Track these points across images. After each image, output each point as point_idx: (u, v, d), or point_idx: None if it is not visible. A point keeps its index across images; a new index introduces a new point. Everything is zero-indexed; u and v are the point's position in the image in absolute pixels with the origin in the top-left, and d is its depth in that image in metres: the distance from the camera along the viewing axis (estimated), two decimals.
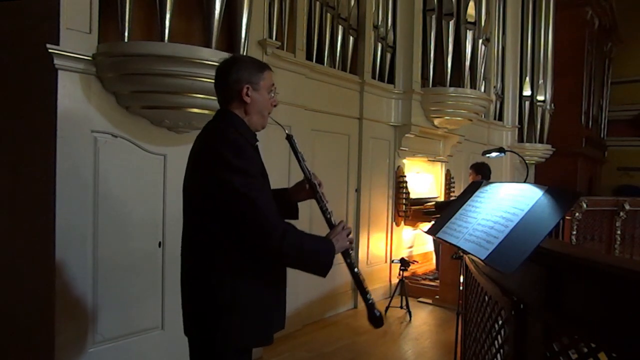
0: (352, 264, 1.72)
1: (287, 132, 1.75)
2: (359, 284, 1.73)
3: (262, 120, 1.66)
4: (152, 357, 2.86)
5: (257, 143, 1.68)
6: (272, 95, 1.66)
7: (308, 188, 1.78)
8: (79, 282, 2.53)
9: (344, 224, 1.70)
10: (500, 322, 1.67)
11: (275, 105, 1.69)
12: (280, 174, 3.72)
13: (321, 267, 1.58)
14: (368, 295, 1.71)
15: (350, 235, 1.72)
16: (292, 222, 1.62)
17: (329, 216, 1.73)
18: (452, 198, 6.25)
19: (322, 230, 1.71)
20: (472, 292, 2.21)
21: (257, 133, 1.69)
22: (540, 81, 8.18)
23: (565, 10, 8.79)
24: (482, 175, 4.56)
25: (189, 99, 2.61)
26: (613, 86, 12.42)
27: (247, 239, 1.49)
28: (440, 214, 2.72)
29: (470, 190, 1.98)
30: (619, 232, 6.07)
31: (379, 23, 5.05)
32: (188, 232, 1.61)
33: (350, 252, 1.72)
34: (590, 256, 1.28)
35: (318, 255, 1.57)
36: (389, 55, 5.25)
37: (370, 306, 1.70)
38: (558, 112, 8.74)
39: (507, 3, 7.77)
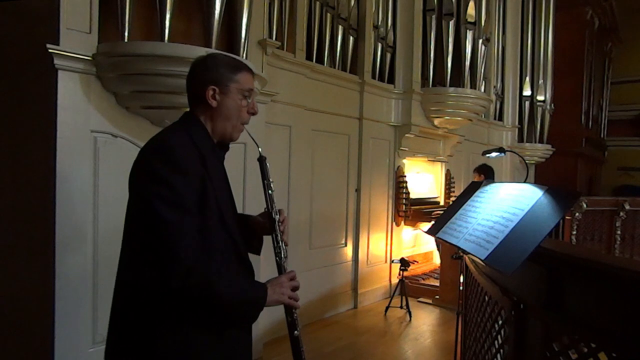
0: (293, 324, 1.43)
1: (260, 153, 1.51)
2: (296, 352, 1.45)
3: (230, 129, 1.39)
4: None
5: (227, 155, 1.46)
6: (248, 102, 1.39)
7: (269, 221, 1.49)
8: (79, 282, 2.53)
9: (293, 275, 1.42)
10: (500, 322, 1.67)
11: (253, 114, 1.42)
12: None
13: (240, 319, 1.30)
14: None
15: (293, 293, 1.41)
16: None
17: (280, 260, 1.46)
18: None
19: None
20: (472, 292, 2.21)
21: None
22: (540, 81, 8.18)
23: (565, 10, 8.80)
24: (486, 176, 4.55)
25: None
26: (613, 86, 12.42)
27: (151, 271, 1.21)
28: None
29: (470, 190, 1.98)
30: (619, 232, 6.07)
31: (379, 23, 5.06)
32: (119, 259, 1.35)
33: (294, 311, 1.43)
34: (591, 256, 1.28)
35: (237, 305, 1.26)
36: (389, 55, 5.26)
37: None
38: (558, 112, 8.74)
39: (507, 3, 7.78)
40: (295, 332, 1.44)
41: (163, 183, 1.20)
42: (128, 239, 1.33)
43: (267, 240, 1.59)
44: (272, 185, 1.50)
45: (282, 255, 1.47)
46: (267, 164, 1.51)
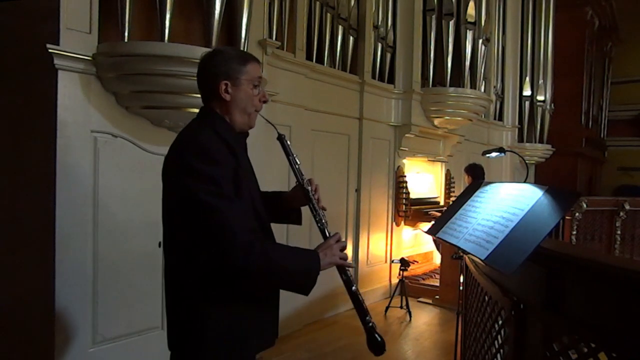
0: (349, 281, 1.53)
1: (278, 132, 1.58)
2: (357, 305, 1.52)
3: (246, 119, 1.47)
4: (152, 357, 2.86)
5: (248, 142, 1.54)
6: (259, 90, 1.47)
7: (302, 193, 1.59)
8: (79, 282, 2.53)
9: (338, 237, 1.52)
10: (500, 322, 1.67)
11: (264, 102, 1.50)
12: (280, 172, 3.72)
13: (300, 287, 1.39)
14: (368, 318, 1.51)
15: (345, 251, 1.52)
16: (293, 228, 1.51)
17: (322, 227, 1.56)
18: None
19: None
20: (472, 292, 2.21)
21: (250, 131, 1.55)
22: (540, 81, 8.18)
23: (565, 10, 8.79)
24: (474, 176, 4.57)
25: (189, 99, 2.61)
26: (613, 86, 12.42)
27: (210, 256, 1.31)
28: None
29: (470, 191, 1.98)
30: (619, 232, 6.07)
31: (379, 23, 5.05)
32: (164, 249, 1.46)
33: (348, 268, 1.54)
34: (591, 256, 1.28)
35: (295, 274, 1.38)
36: (389, 55, 5.25)
37: (370, 330, 1.49)
38: (558, 112, 8.74)
39: (507, 3, 7.78)
40: (353, 287, 1.53)
41: (204, 178, 1.29)
42: (171, 232, 1.42)
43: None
44: (297, 159, 1.57)
45: (323, 222, 1.56)
46: (288, 141, 1.58)
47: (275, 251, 1.37)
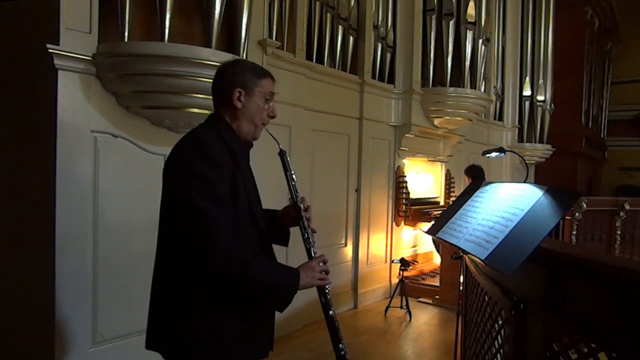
0: (327, 304, 1.53)
1: (280, 147, 1.60)
2: (332, 331, 1.53)
3: (252, 129, 1.50)
4: (151, 357, 2.85)
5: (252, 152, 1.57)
6: (269, 105, 1.51)
7: (294, 211, 1.60)
8: (79, 282, 2.53)
9: (322, 259, 1.53)
10: (500, 322, 1.67)
11: (272, 117, 1.53)
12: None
13: (275, 302, 1.40)
14: (341, 346, 1.52)
15: (324, 274, 1.52)
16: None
17: (309, 246, 1.56)
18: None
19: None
20: (472, 292, 2.21)
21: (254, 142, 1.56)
22: (540, 81, 8.18)
23: (565, 10, 8.80)
24: (475, 178, 4.57)
25: (189, 99, 2.61)
26: (613, 86, 12.43)
27: (192, 258, 1.31)
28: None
29: (470, 191, 1.98)
30: (619, 232, 6.07)
31: (379, 23, 5.06)
32: (157, 250, 1.47)
33: (327, 290, 1.53)
34: (591, 256, 1.28)
35: (272, 288, 1.38)
36: (389, 55, 5.26)
37: (341, 358, 1.52)
38: (558, 112, 8.75)
39: (507, 3, 7.78)
40: (330, 311, 1.53)
41: (199, 176, 1.30)
42: (165, 231, 1.44)
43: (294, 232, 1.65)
44: (294, 177, 1.59)
45: (311, 241, 1.56)
46: (288, 157, 1.60)
47: (255, 262, 1.35)
